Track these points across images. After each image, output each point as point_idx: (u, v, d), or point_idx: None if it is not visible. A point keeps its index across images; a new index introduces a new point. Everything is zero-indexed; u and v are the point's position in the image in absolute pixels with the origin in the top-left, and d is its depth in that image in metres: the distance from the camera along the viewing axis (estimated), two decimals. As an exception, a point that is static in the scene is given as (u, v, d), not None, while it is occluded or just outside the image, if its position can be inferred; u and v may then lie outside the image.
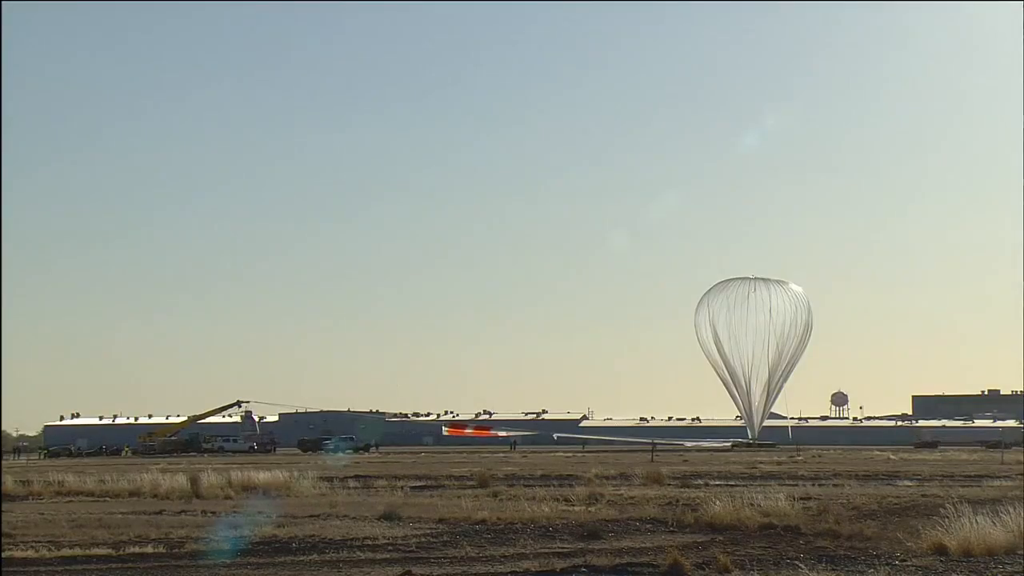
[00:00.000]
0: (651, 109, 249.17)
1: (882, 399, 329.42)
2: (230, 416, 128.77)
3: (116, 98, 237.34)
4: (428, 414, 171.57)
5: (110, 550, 19.84)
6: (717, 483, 40.27)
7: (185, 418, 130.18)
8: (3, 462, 73.39)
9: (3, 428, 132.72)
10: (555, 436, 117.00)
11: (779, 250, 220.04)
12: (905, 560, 18.08)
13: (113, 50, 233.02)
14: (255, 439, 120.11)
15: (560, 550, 19.86)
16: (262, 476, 38.82)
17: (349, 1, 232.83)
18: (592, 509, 28.03)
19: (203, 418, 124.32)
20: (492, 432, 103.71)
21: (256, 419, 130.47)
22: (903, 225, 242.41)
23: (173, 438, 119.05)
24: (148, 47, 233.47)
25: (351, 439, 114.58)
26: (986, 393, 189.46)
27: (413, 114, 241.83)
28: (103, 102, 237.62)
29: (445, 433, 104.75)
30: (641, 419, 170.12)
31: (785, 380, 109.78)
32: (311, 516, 26.75)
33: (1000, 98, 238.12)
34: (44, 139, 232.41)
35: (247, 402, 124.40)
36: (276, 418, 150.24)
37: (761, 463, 60.93)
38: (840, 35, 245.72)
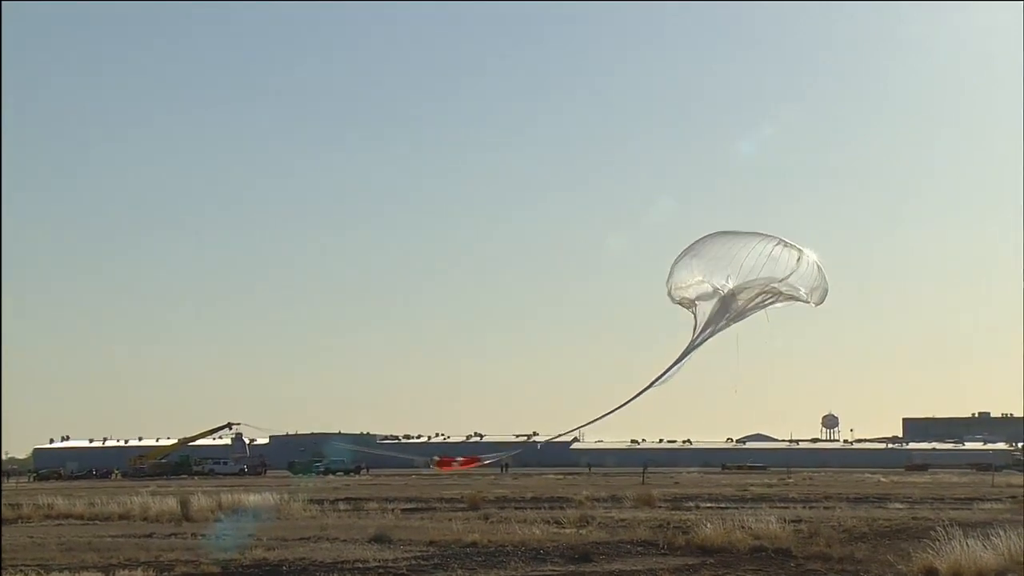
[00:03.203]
0: (647, 118, 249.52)
1: (872, 421, 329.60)
2: (221, 438, 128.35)
3: (107, 122, 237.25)
4: (419, 436, 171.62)
5: (100, 573, 19.80)
6: (708, 505, 40.32)
7: (175, 440, 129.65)
8: None
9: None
10: (538, 445, 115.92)
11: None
12: (896, 583, 18.10)
13: (98, 76, 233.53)
14: (245, 461, 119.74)
15: (551, 573, 19.85)
16: (252, 499, 38.71)
17: (345, 1, 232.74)
18: (583, 532, 28.06)
19: (194, 440, 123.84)
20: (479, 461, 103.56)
21: (247, 441, 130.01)
22: (893, 249, 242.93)
23: (164, 460, 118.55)
24: (136, 65, 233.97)
25: (342, 461, 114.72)
26: (976, 416, 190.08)
27: (402, 134, 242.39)
28: (94, 126, 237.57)
29: (433, 468, 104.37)
30: (632, 442, 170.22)
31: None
32: (301, 539, 26.69)
33: (998, 111, 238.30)
34: (32, 163, 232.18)
35: (238, 424, 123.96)
36: (266, 441, 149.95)
37: (752, 485, 60.98)
38: (840, 40, 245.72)
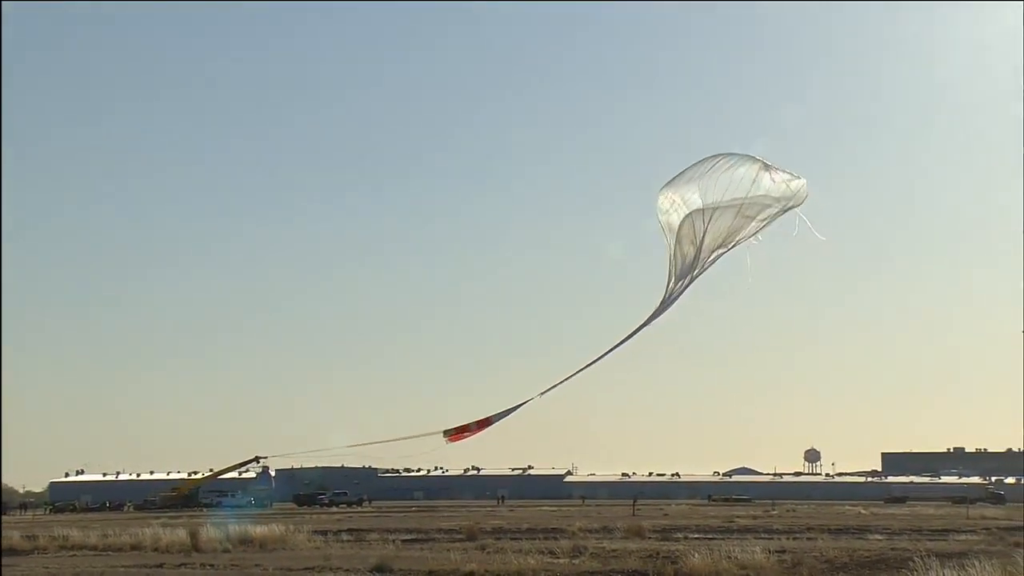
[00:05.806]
0: (644, 126, 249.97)
1: (853, 456, 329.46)
2: (247, 471, 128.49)
3: (135, 153, 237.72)
4: (419, 470, 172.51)
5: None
6: (696, 536, 41.04)
7: (187, 473, 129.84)
8: (10, 517, 73.27)
9: (7, 484, 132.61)
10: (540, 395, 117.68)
11: (750, 308, 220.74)
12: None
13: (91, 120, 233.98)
14: (270, 495, 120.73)
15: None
16: (259, 530, 39.47)
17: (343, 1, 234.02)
18: (576, 562, 28.88)
19: (224, 473, 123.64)
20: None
21: (272, 475, 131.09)
22: (871, 288, 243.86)
23: (188, 492, 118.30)
24: (136, 113, 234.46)
25: (344, 494, 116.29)
26: (952, 450, 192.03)
27: (390, 181, 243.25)
28: (116, 153, 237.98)
29: (448, 442, 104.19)
30: (623, 475, 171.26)
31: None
32: (306, 568, 27.56)
33: (997, 142, 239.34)
34: (42, 191, 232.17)
35: (265, 457, 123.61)
36: (272, 474, 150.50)
37: (738, 517, 61.91)
38: (837, 50, 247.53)
